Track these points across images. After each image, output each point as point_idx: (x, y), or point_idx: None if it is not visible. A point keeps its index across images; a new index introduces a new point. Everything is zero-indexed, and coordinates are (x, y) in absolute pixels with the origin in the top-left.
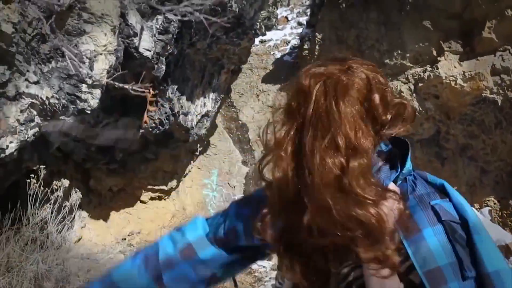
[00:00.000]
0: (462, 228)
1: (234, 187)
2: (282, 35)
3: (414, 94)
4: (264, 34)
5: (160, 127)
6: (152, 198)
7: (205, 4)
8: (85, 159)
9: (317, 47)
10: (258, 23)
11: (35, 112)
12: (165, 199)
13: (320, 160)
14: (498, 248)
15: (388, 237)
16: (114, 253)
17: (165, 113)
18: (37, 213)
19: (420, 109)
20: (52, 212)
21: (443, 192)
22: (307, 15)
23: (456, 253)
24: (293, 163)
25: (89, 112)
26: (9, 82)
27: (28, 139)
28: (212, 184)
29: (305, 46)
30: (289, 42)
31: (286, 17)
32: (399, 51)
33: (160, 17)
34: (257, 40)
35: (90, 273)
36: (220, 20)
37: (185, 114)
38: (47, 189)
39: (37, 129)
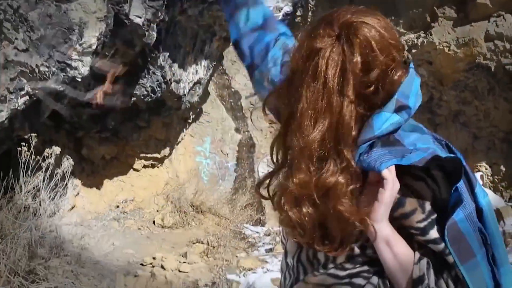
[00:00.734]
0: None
1: (227, 154)
2: (275, 1)
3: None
4: None
5: (152, 95)
6: (145, 166)
7: None
8: (76, 127)
9: (310, 13)
10: None
11: (25, 80)
12: (158, 167)
13: (305, 128)
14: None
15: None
16: (107, 220)
17: (157, 80)
18: (29, 181)
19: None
20: (44, 180)
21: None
22: None
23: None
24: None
25: (79, 79)
26: None
27: (18, 108)
28: (205, 151)
29: (298, 13)
30: (281, 9)
31: None
32: (393, 17)
33: None
34: None
35: (84, 240)
36: None
37: (177, 82)
38: (38, 157)
39: (27, 97)
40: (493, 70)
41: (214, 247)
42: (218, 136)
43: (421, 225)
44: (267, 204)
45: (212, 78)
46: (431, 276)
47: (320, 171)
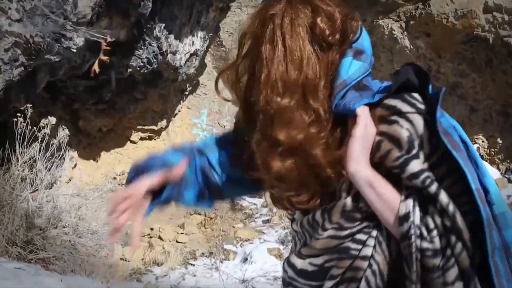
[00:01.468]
0: None
1: (224, 126)
2: None
3: (405, 32)
4: None
5: (148, 66)
6: (142, 138)
7: None
8: (73, 99)
9: None
10: None
11: (19, 51)
12: (155, 139)
13: (264, 95)
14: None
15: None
16: (104, 191)
17: (153, 52)
18: (26, 152)
19: (411, 47)
20: (40, 150)
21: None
22: None
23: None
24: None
25: (74, 50)
26: None
27: (13, 79)
28: (202, 123)
29: None
30: None
31: None
32: None
33: None
34: None
35: (81, 210)
36: None
37: (173, 53)
38: (34, 128)
39: (22, 68)
40: (491, 42)
41: (211, 218)
42: (215, 108)
43: (397, 162)
44: None
45: (209, 49)
46: (416, 213)
47: (288, 127)
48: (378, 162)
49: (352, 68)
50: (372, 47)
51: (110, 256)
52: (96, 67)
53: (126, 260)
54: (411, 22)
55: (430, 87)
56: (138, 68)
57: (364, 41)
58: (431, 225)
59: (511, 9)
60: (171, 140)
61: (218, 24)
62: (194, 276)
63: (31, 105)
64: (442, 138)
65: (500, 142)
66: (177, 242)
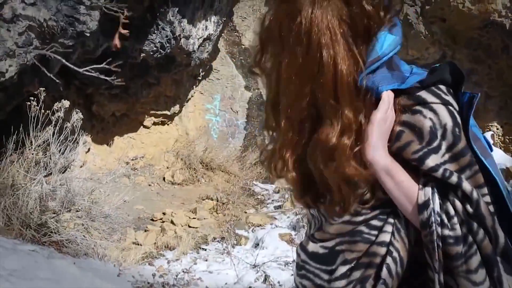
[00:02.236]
0: None
1: (237, 112)
2: None
3: (420, 17)
4: None
5: (161, 51)
6: (155, 123)
7: None
8: (86, 84)
9: None
10: None
11: (33, 35)
12: (168, 124)
13: (291, 84)
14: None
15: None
16: (117, 176)
17: (166, 36)
18: (40, 136)
19: (426, 32)
20: (54, 134)
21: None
22: None
23: None
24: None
25: (88, 34)
26: (4, 4)
27: (27, 63)
28: (214, 109)
29: None
30: None
31: None
32: None
33: None
34: None
35: (94, 194)
36: None
37: (187, 38)
38: (48, 111)
39: (36, 52)
40: (507, 28)
41: (223, 204)
42: (228, 94)
43: (417, 155)
44: None
45: (222, 34)
46: (436, 200)
47: (314, 132)
48: (396, 153)
49: (386, 42)
50: None
51: (122, 240)
52: (117, 41)
53: (138, 244)
54: (427, 7)
55: (462, 88)
56: (151, 53)
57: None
58: (452, 212)
59: None
60: (184, 125)
61: (231, 9)
62: (206, 260)
63: (44, 88)
64: (472, 145)
65: None
66: (189, 227)
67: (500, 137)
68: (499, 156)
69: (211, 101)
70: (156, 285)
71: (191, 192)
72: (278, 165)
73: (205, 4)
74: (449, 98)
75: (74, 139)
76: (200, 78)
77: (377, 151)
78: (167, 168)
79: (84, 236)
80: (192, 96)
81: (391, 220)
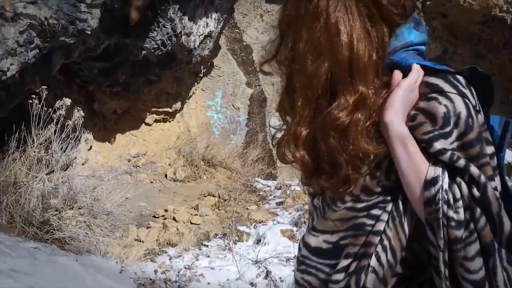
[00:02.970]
0: None
1: (238, 109)
2: None
3: (421, 13)
4: None
5: (162, 48)
6: (156, 120)
7: None
8: (87, 81)
9: None
10: None
11: (34, 33)
12: (169, 121)
13: (308, 65)
14: None
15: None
16: (119, 173)
17: (167, 33)
18: (41, 134)
19: (428, 28)
20: (55, 132)
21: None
22: None
23: None
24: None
25: (89, 32)
26: (5, 2)
27: (29, 61)
28: (216, 106)
29: None
30: None
31: None
32: None
33: None
34: None
35: (96, 191)
36: None
37: (188, 35)
38: (50, 109)
39: (37, 50)
40: (509, 23)
41: (225, 200)
42: (230, 90)
43: (426, 136)
44: None
45: (223, 31)
46: (445, 178)
47: (328, 108)
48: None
49: (412, 35)
50: None
51: (124, 237)
52: (133, 13)
53: (140, 241)
54: (428, 3)
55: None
56: (152, 50)
57: (415, 14)
58: (458, 194)
59: None
60: (186, 122)
61: (232, 6)
62: (208, 256)
63: (46, 87)
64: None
65: None
66: (191, 223)
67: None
68: None
69: (213, 98)
70: (158, 281)
71: (193, 189)
72: (290, 146)
73: (206, 1)
74: (467, 92)
75: (75, 137)
76: (201, 75)
77: (397, 115)
78: (169, 165)
79: (86, 233)
80: (193, 93)
81: (389, 208)
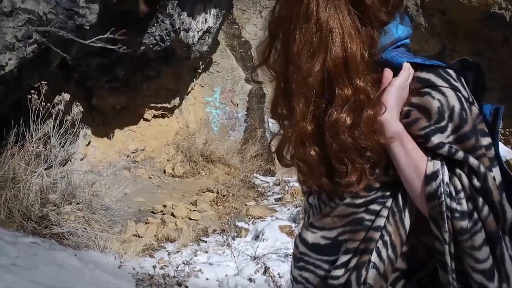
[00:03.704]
0: None
1: (237, 105)
2: None
3: (420, 10)
4: None
5: (161, 44)
6: (155, 116)
7: None
8: (86, 77)
9: None
10: None
11: (32, 28)
12: (168, 117)
13: (303, 64)
14: None
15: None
16: (118, 169)
17: (166, 29)
18: (40, 129)
19: (426, 25)
20: (54, 127)
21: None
22: None
23: None
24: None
25: (87, 28)
26: None
27: (27, 56)
28: (215, 101)
29: None
30: None
31: None
32: None
33: None
34: None
35: (95, 187)
36: None
37: (186, 30)
38: (48, 104)
39: (35, 45)
40: (508, 20)
41: (223, 196)
42: (228, 86)
43: (423, 132)
44: None
45: (222, 27)
46: (445, 172)
47: (327, 105)
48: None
49: (400, 30)
50: None
51: (123, 232)
52: (142, 6)
53: (139, 236)
54: (426, 0)
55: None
56: (151, 46)
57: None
58: (459, 186)
59: None
60: (184, 118)
61: (231, 2)
62: (206, 252)
63: (45, 82)
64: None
65: None
66: (190, 219)
67: (500, 129)
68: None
69: (211, 94)
70: (157, 276)
71: (191, 184)
72: (296, 143)
73: None
74: (458, 85)
75: (74, 132)
76: (200, 71)
77: (392, 114)
78: (168, 160)
79: (85, 228)
80: (192, 89)
81: (388, 204)
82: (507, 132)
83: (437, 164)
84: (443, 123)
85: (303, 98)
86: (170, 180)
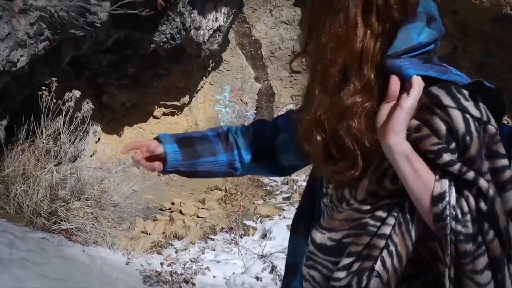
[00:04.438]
0: None
1: (246, 103)
2: None
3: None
4: None
5: (172, 42)
6: (164, 114)
7: None
8: (97, 74)
9: None
10: None
11: (44, 25)
12: (177, 115)
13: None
14: None
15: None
16: (127, 166)
17: (176, 27)
18: (50, 125)
19: None
20: (64, 124)
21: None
22: None
23: None
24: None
25: (98, 25)
26: None
27: (38, 53)
28: (224, 100)
29: None
30: None
31: None
32: None
33: None
34: None
35: (104, 183)
36: None
37: (197, 29)
38: (59, 101)
39: (47, 42)
40: None
41: (232, 194)
42: (238, 85)
43: (435, 148)
44: None
45: (232, 26)
46: (452, 193)
47: (339, 94)
48: (413, 141)
49: (423, 35)
50: None
51: (131, 229)
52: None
53: (147, 233)
54: (438, 0)
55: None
56: (162, 44)
57: (432, 6)
58: (465, 208)
59: None
60: (194, 116)
61: (241, 0)
62: (214, 250)
63: (56, 78)
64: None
65: None
66: (198, 216)
67: None
68: None
69: (221, 92)
70: (164, 273)
71: (199, 182)
72: (305, 129)
73: None
74: (469, 104)
75: (84, 129)
76: (210, 69)
77: (400, 136)
78: None
79: (93, 224)
80: (202, 87)
81: (395, 213)
82: None
83: (444, 185)
84: (452, 146)
85: (322, 86)
86: (179, 177)
